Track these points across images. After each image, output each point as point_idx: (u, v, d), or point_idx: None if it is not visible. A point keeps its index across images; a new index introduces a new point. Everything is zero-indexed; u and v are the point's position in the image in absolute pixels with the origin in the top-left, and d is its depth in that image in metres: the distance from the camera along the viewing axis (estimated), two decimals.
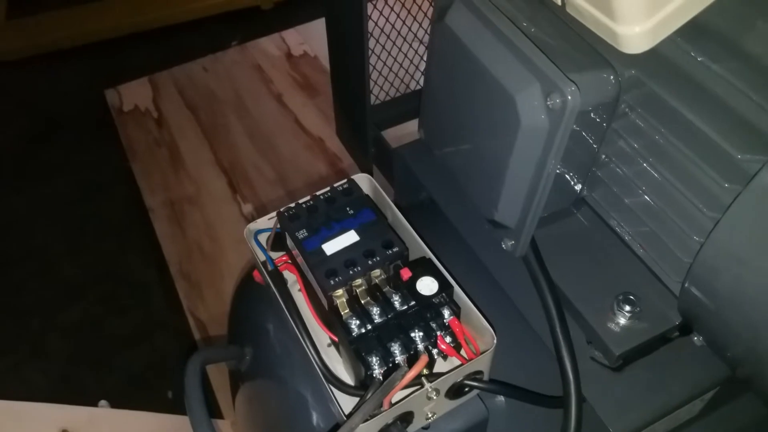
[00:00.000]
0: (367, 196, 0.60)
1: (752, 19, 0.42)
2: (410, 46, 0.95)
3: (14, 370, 1.37)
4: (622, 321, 0.54)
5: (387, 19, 0.90)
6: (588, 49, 0.47)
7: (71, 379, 1.35)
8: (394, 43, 0.93)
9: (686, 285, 0.47)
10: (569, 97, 0.42)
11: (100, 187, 1.71)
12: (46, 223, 1.64)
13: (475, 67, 0.49)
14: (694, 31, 0.43)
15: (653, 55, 0.43)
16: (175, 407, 1.22)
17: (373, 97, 0.93)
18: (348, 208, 0.57)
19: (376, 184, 0.61)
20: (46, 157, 1.80)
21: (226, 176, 1.67)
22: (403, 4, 0.90)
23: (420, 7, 0.93)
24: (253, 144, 1.74)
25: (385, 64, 0.94)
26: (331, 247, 0.54)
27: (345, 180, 0.60)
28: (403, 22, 0.93)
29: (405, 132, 0.86)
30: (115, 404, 1.19)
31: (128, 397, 1.30)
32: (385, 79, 0.95)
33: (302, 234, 0.55)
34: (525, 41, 0.45)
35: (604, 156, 0.53)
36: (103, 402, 1.17)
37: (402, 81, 0.97)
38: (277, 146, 1.72)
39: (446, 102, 0.57)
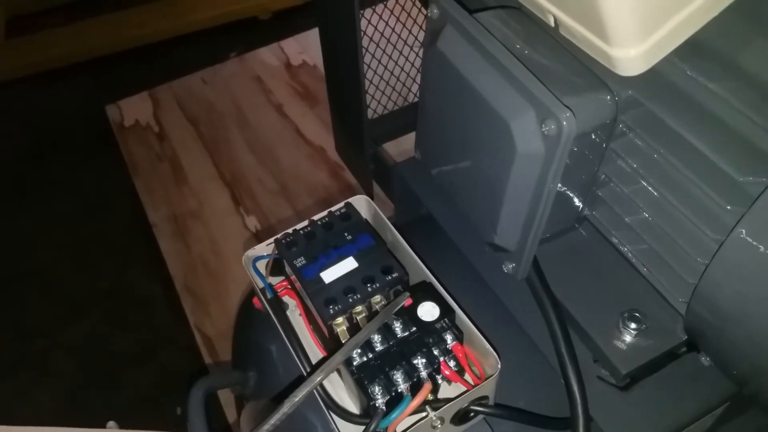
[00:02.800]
0: (365, 220, 0.59)
1: (750, 38, 0.42)
2: (406, 58, 0.94)
3: (20, 391, 1.37)
4: (628, 338, 0.53)
5: (382, 34, 0.89)
6: (583, 70, 0.47)
7: (78, 398, 1.35)
8: (390, 57, 0.93)
9: (691, 306, 0.46)
10: (564, 123, 0.41)
11: (103, 204, 1.71)
12: (49, 241, 1.64)
13: (468, 92, 0.48)
14: (691, 50, 0.42)
15: (650, 74, 0.42)
16: (184, 423, 1.22)
17: (370, 112, 0.92)
18: (346, 234, 0.57)
19: (375, 206, 0.60)
20: (49, 175, 1.80)
21: (228, 189, 1.67)
22: (397, 18, 0.90)
23: (415, 20, 0.92)
24: (254, 155, 1.74)
25: (381, 78, 0.93)
26: (329, 275, 0.54)
27: (342, 204, 0.60)
28: (399, 36, 0.92)
29: (406, 147, 0.86)
30: (123, 423, 1.19)
31: (136, 415, 1.30)
32: (382, 92, 0.95)
33: (300, 262, 0.55)
34: (518, 66, 0.44)
35: (603, 175, 0.52)
36: (111, 423, 1.17)
37: (399, 94, 0.97)
38: (279, 157, 1.72)
39: (441, 126, 0.56)
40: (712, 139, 0.42)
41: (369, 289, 0.53)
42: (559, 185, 0.48)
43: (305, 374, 0.53)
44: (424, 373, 0.49)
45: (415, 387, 0.49)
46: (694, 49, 0.42)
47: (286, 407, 0.46)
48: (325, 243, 0.56)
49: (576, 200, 0.54)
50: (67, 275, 1.56)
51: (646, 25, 0.38)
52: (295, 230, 0.58)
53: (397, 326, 0.51)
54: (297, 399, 0.46)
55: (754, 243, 0.39)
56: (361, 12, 0.79)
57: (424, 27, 0.91)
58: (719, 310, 0.44)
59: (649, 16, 0.38)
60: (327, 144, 1.71)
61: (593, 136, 0.47)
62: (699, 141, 0.43)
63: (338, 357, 0.48)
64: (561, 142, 0.42)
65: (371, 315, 0.53)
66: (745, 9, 0.41)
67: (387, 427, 0.47)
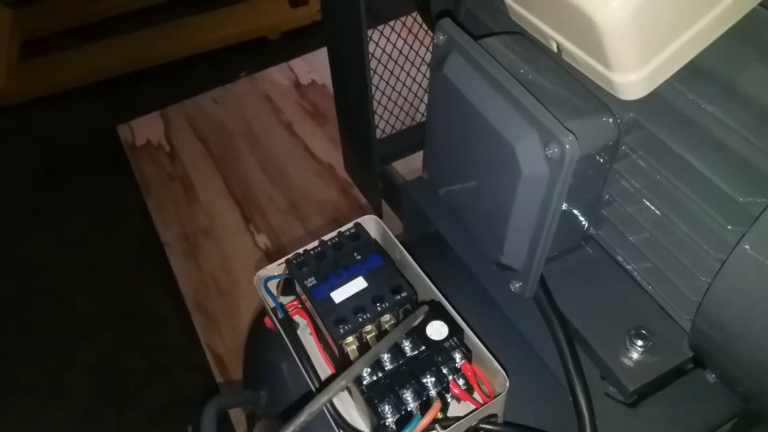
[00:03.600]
0: (374, 240, 0.60)
1: (747, 62, 0.43)
2: (413, 79, 0.96)
3: (34, 411, 1.38)
4: (635, 356, 0.54)
5: (389, 55, 0.91)
6: (586, 94, 0.48)
7: (91, 418, 1.36)
8: (397, 77, 0.94)
9: (696, 323, 0.47)
10: (567, 147, 0.42)
11: (115, 223, 1.73)
12: (62, 261, 1.66)
13: (474, 116, 0.49)
14: (690, 74, 0.43)
15: (652, 97, 0.43)
16: None
17: (378, 131, 0.94)
18: (355, 254, 0.58)
19: (384, 226, 0.61)
20: (62, 195, 1.82)
21: (239, 207, 1.68)
22: (405, 40, 0.91)
23: (422, 42, 0.93)
24: (264, 174, 1.75)
25: (389, 98, 0.95)
26: (339, 295, 0.54)
27: (352, 224, 0.61)
28: (406, 58, 0.93)
29: (415, 166, 0.87)
30: None
31: None
32: (390, 112, 0.96)
33: (311, 282, 0.56)
34: (522, 91, 0.46)
35: (607, 196, 0.53)
36: None
37: (407, 114, 0.98)
38: (289, 175, 1.73)
39: (448, 148, 0.57)
40: (712, 161, 0.43)
41: (378, 309, 0.53)
42: (564, 205, 0.49)
43: (316, 393, 0.54)
44: (433, 392, 0.49)
45: (425, 406, 0.49)
46: (694, 73, 0.43)
47: (305, 416, 0.47)
48: (335, 263, 0.57)
49: (581, 219, 0.55)
50: (80, 294, 1.58)
51: (646, 50, 0.39)
52: (305, 251, 0.59)
53: (407, 345, 0.52)
54: (316, 407, 0.47)
55: (755, 262, 0.40)
56: (369, 33, 0.80)
57: (430, 47, 0.92)
58: (722, 327, 0.44)
59: (648, 42, 0.39)
60: (336, 162, 1.72)
61: (596, 158, 0.48)
62: (699, 162, 0.44)
63: (358, 366, 0.49)
64: (564, 165, 0.43)
65: (381, 334, 0.54)
66: (743, 33, 0.42)
67: None
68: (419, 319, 0.52)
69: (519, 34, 0.53)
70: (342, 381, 0.48)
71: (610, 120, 0.47)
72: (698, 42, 0.41)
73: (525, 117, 0.45)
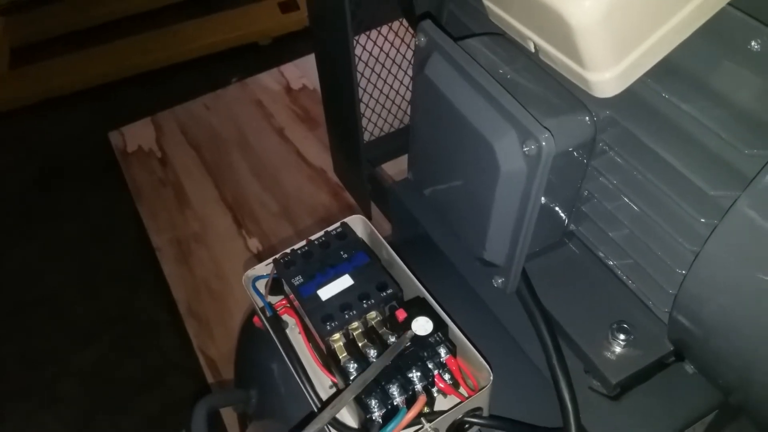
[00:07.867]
0: (360, 239, 0.61)
1: (718, 59, 0.44)
2: (401, 82, 0.97)
3: (29, 418, 1.38)
4: (618, 349, 0.55)
5: (377, 59, 0.92)
6: (563, 92, 0.49)
7: (87, 424, 1.36)
8: (384, 80, 0.95)
9: (673, 315, 0.48)
10: (544, 144, 0.44)
11: (108, 230, 1.74)
12: (56, 268, 1.66)
13: (455, 116, 0.50)
14: (663, 71, 0.44)
15: (627, 95, 0.44)
16: None
17: (367, 134, 0.95)
18: (342, 252, 0.58)
19: (371, 225, 0.62)
20: (54, 203, 1.82)
21: (231, 212, 1.69)
22: (391, 43, 0.92)
23: (409, 45, 0.94)
24: (256, 179, 1.76)
25: (377, 101, 0.95)
26: (326, 293, 0.55)
27: (338, 224, 0.62)
28: (393, 61, 0.94)
29: (404, 166, 0.88)
30: None
31: None
32: (378, 115, 0.97)
33: (298, 280, 0.57)
34: (500, 90, 0.47)
35: (586, 192, 0.54)
36: None
37: (395, 116, 0.99)
38: (280, 180, 1.74)
39: (431, 148, 0.58)
40: (684, 156, 0.45)
41: (365, 306, 0.54)
42: (544, 201, 0.50)
43: (305, 390, 0.54)
44: (419, 386, 0.50)
45: (411, 400, 0.50)
46: (667, 71, 0.45)
47: None
48: (322, 262, 0.58)
49: (561, 215, 0.56)
50: (74, 301, 1.58)
51: (618, 50, 0.41)
52: (293, 250, 0.60)
53: (392, 341, 0.53)
54: None
55: (726, 253, 0.41)
56: (356, 38, 0.81)
57: None
58: (698, 318, 0.45)
59: (621, 40, 0.40)
60: (327, 165, 1.73)
61: (574, 155, 0.49)
62: (673, 157, 0.45)
63: (347, 394, 0.49)
64: (541, 162, 0.45)
65: (367, 331, 0.55)
66: (713, 32, 0.43)
67: None
68: (404, 345, 0.52)
69: (499, 35, 0.54)
70: (327, 414, 0.48)
71: (587, 118, 0.48)
72: (670, 40, 0.42)
73: (503, 115, 0.46)
